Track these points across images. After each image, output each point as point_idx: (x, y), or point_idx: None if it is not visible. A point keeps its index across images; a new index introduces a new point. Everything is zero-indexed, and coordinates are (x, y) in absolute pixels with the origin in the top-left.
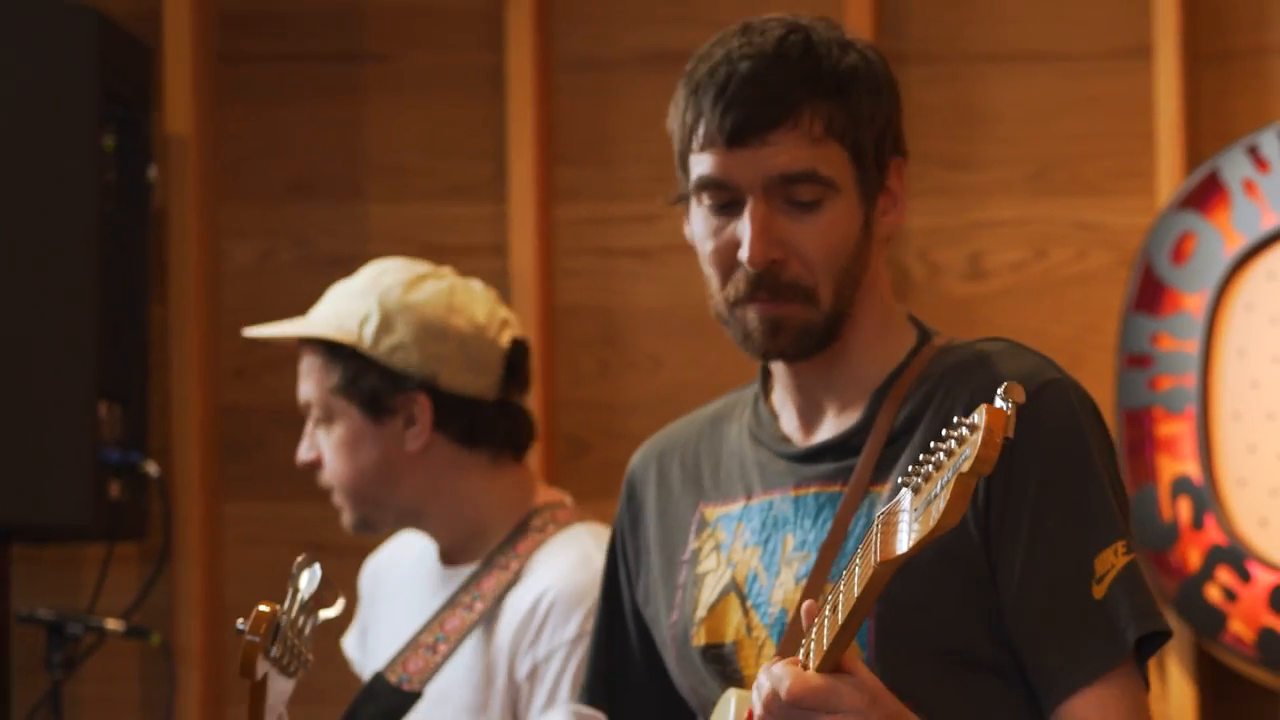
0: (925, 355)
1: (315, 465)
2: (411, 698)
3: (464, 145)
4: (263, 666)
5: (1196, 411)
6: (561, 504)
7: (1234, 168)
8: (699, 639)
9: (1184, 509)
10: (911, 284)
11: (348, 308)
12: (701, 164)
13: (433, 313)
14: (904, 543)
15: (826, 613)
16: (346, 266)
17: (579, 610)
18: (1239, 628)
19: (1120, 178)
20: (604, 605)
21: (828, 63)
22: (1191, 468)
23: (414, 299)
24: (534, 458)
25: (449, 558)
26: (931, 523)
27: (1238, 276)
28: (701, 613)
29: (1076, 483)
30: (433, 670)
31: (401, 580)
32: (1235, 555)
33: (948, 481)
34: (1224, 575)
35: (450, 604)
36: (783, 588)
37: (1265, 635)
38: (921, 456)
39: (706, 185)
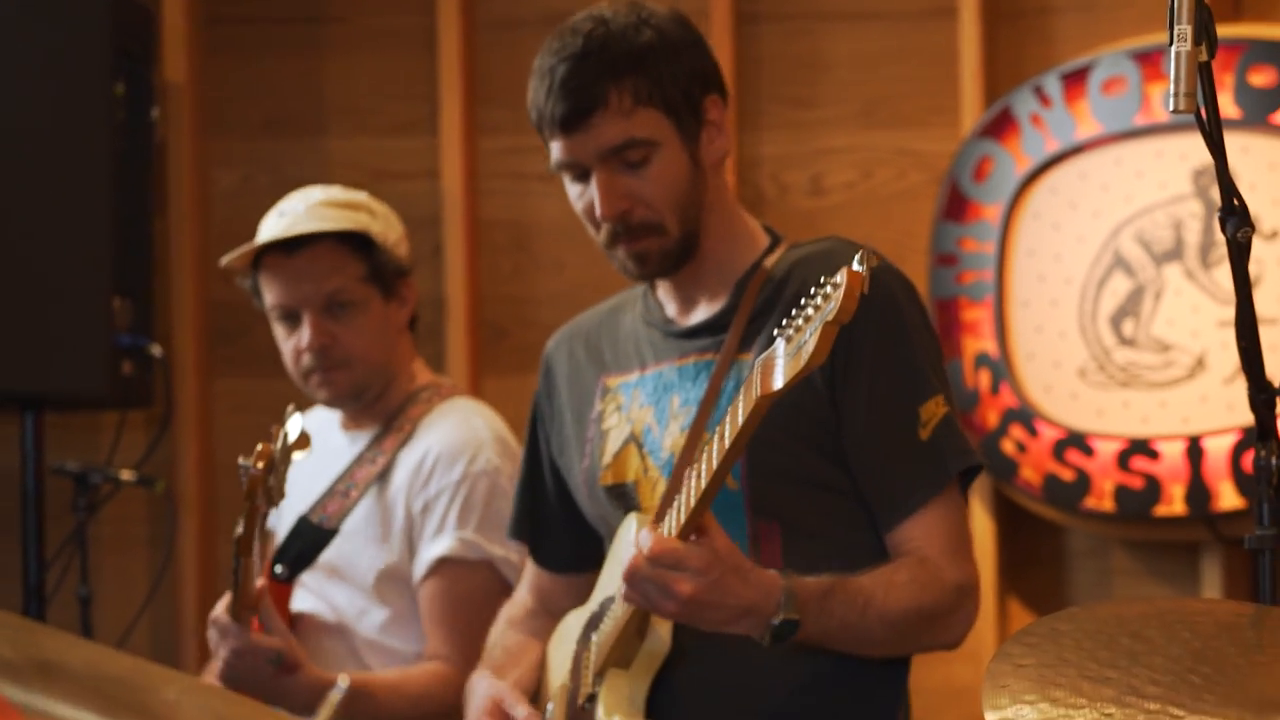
0: (777, 252)
1: (325, 350)
2: (330, 533)
3: (405, 91)
4: (260, 496)
5: (993, 300)
6: (444, 381)
7: (1023, 104)
8: (606, 480)
9: (984, 379)
10: (765, 201)
11: (347, 215)
12: (554, 150)
13: (397, 220)
14: (779, 380)
15: (690, 481)
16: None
17: (460, 460)
18: (1028, 474)
19: (932, 113)
20: (527, 460)
21: (623, 47)
22: (990, 345)
23: (385, 209)
24: (462, 341)
25: (352, 423)
26: (803, 362)
27: (1026, 191)
28: (607, 459)
29: (901, 349)
30: (346, 511)
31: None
32: (1025, 415)
33: (816, 329)
34: (1016, 432)
35: (358, 460)
36: (671, 436)
37: (1049, 480)
38: (793, 312)
39: (561, 166)
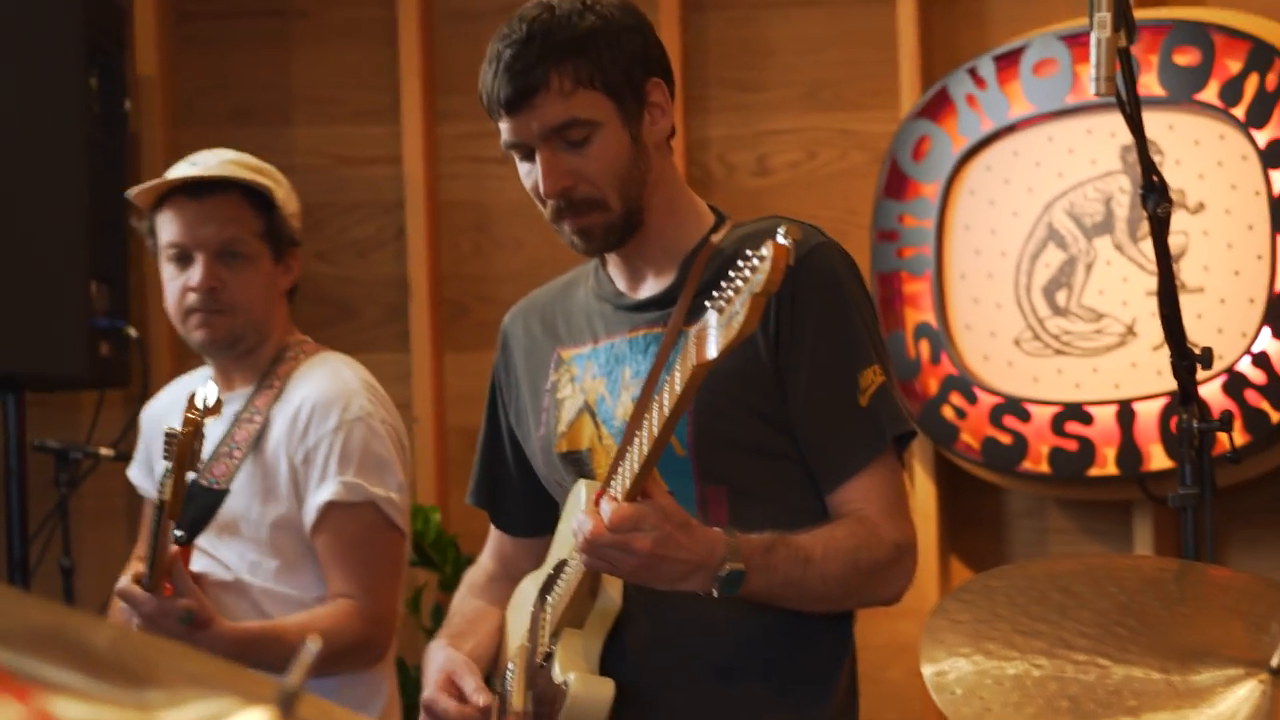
0: (722, 230)
1: (213, 293)
2: (222, 494)
3: (367, 80)
4: (187, 461)
5: (933, 274)
6: (306, 340)
7: (959, 86)
8: (561, 447)
9: (924, 348)
10: (713, 180)
11: (255, 174)
12: (502, 130)
13: (295, 197)
14: (713, 349)
15: (634, 447)
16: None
17: (334, 409)
18: (968, 438)
19: (872, 95)
20: (486, 429)
21: (566, 32)
22: (930, 317)
23: (289, 185)
24: (425, 319)
25: (225, 386)
26: (734, 332)
27: (963, 169)
28: (562, 428)
29: (841, 321)
30: (234, 471)
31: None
32: (964, 383)
33: (745, 300)
34: (955, 398)
35: (236, 421)
36: (623, 406)
37: (987, 443)
38: (722, 284)
39: (509, 146)
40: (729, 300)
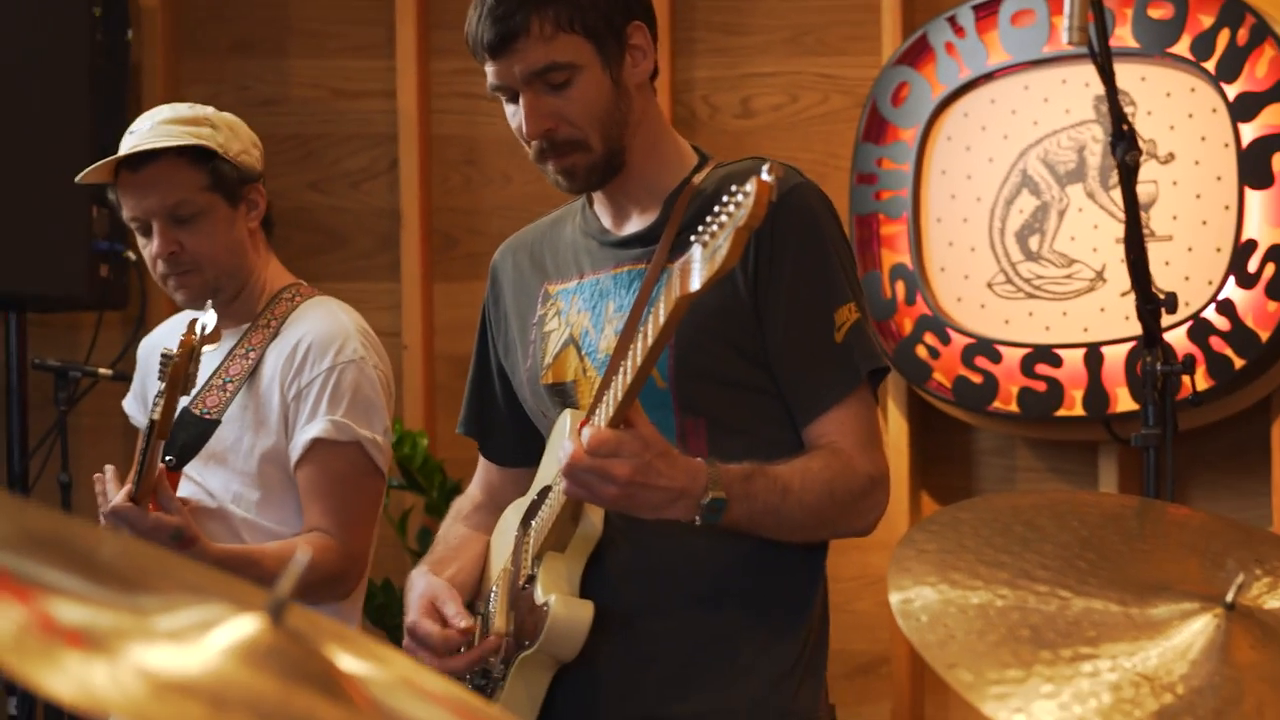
0: (705, 170)
1: (173, 258)
2: (214, 424)
3: (364, 15)
4: (181, 384)
5: (909, 216)
6: (302, 284)
7: (938, 33)
8: (547, 379)
9: (900, 289)
10: (698, 121)
11: (188, 131)
12: (488, 75)
13: (245, 130)
14: (696, 281)
15: (618, 377)
16: (274, 106)
17: (329, 350)
18: (940, 377)
19: (853, 41)
20: (476, 362)
21: None
22: (906, 258)
23: (231, 120)
24: (416, 249)
25: (221, 323)
26: (717, 265)
27: (941, 115)
28: (548, 360)
29: (818, 259)
30: (226, 403)
31: None
32: (937, 324)
33: (729, 234)
34: (929, 338)
35: (230, 355)
36: (606, 339)
37: (959, 382)
38: (707, 219)
39: (493, 89)
40: (713, 235)
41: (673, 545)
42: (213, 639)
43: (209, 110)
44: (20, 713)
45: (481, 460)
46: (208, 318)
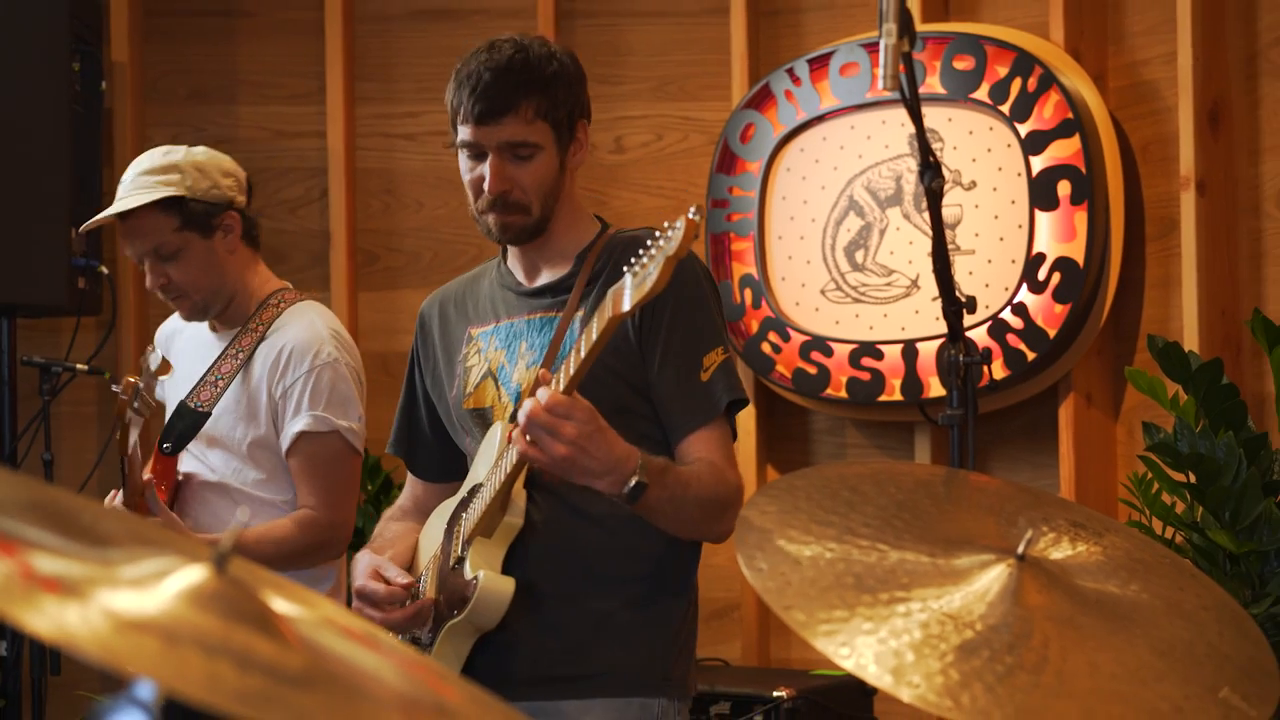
0: (606, 236)
1: (165, 288)
2: (205, 415)
3: (300, 69)
4: (129, 414)
5: (755, 235)
6: (288, 288)
7: (779, 83)
8: (469, 404)
9: (748, 295)
10: None
11: (159, 179)
12: (463, 132)
13: (214, 162)
14: (628, 303)
15: (565, 363)
16: (224, 145)
17: (307, 356)
18: (782, 369)
19: (708, 89)
20: (405, 394)
21: (538, 72)
22: (753, 270)
23: (200, 158)
24: (343, 264)
25: (218, 326)
26: (647, 289)
27: (781, 150)
28: (470, 389)
29: (691, 311)
30: (217, 397)
31: (185, 344)
32: (779, 324)
33: (659, 263)
34: (772, 336)
35: (222, 356)
36: (519, 373)
37: (797, 373)
38: (639, 252)
39: (465, 145)
40: (643, 265)
41: (580, 537)
42: (166, 585)
43: (179, 155)
44: (10, 653)
45: (410, 477)
46: (153, 359)
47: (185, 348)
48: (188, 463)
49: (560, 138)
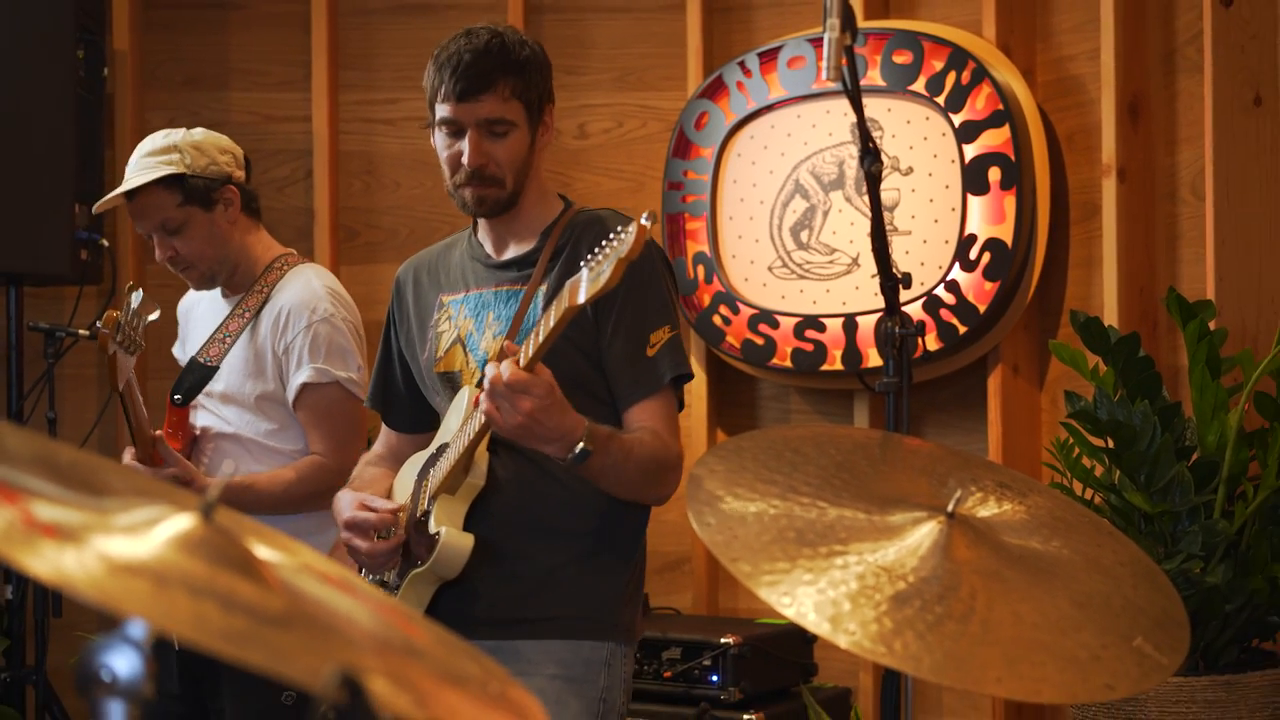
0: (570, 214)
1: (173, 260)
2: (212, 370)
3: (288, 58)
4: (111, 346)
5: (708, 215)
6: (291, 253)
7: (731, 74)
8: (439, 368)
9: (701, 271)
10: None
11: (160, 159)
12: (443, 110)
13: (211, 141)
14: (582, 296)
15: (526, 342)
16: (217, 128)
17: (304, 313)
18: (731, 340)
19: (666, 79)
20: (382, 352)
21: (514, 55)
22: (705, 247)
23: (197, 139)
24: (325, 240)
25: (228, 292)
26: (599, 285)
27: (733, 137)
28: (440, 353)
29: (645, 292)
30: (224, 353)
31: (204, 309)
32: (729, 298)
33: (611, 263)
34: (723, 309)
35: (230, 316)
36: (485, 341)
37: (746, 344)
38: (595, 250)
39: (444, 122)
40: (598, 262)
41: (536, 495)
42: (157, 532)
43: (179, 136)
44: (15, 596)
45: (384, 427)
46: (135, 297)
47: (203, 314)
48: (204, 418)
49: (532, 118)
